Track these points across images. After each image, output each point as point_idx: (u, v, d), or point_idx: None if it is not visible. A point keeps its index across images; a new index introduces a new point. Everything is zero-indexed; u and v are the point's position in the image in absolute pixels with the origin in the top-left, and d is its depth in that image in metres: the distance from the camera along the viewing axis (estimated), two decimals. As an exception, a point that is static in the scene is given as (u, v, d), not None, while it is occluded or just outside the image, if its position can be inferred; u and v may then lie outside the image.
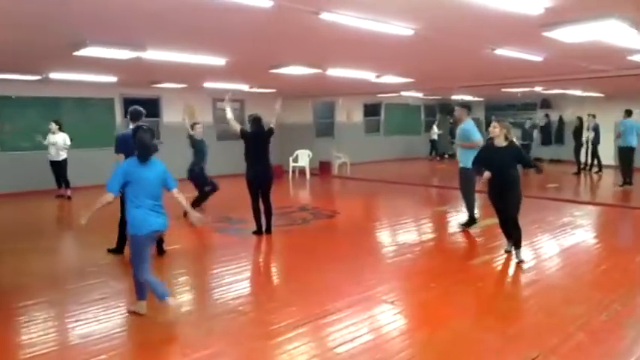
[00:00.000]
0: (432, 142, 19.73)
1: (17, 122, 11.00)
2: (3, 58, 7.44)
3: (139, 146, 4.05)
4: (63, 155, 10.15)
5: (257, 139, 6.88)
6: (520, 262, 5.58)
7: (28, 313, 4.40)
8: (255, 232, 7.02)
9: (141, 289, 4.21)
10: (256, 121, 7.03)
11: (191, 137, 8.33)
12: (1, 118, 10.87)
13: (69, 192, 10.31)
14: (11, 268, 5.69)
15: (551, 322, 4.02)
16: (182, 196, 4.38)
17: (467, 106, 7.47)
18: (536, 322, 4.07)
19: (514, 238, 5.73)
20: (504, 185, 5.57)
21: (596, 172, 14.17)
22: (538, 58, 7.15)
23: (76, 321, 4.17)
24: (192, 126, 8.42)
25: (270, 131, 6.96)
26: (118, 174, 4.03)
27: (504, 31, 5.42)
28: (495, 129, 5.57)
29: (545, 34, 5.07)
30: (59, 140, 10.09)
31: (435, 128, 19.69)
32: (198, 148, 8.31)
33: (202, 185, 8.34)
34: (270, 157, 7.01)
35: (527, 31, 5.21)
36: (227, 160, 12.98)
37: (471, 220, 7.27)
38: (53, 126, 10.13)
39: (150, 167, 4.10)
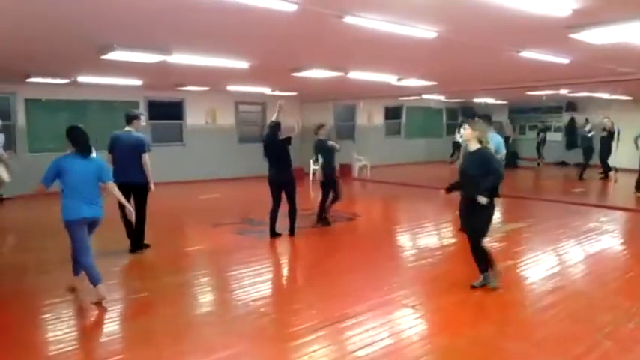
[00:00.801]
0: (455, 144, 19.45)
1: (46, 124, 11.31)
2: (34, 63, 7.68)
3: (81, 142, 4.49)
4: None
5: (270, 145, 6.97)
6: (494, 289, 4.82)
7: (50, 312, 4.49)
8: (270, 236, 7.04)
9: (76, 268, 4.75)
10: (270, 127, 7.11)
11: (318, 141, 7.94)
12: (30, 120, 11.19)
13: None
14: (35, 266, 5.84)
15: (576, 329, 3.94)
16: (116, 188, 4.72)
17: (487, 116, 7.20)
18: (561, 329, 3.99)
19: (477, 263, 4.90)
20: (467, 200, 4.81)
21: (601, 177, 14.00)
22: (564, 61, 7.02)
23: (98, 320, 4.26)
24: (318, 130, 8.02)
25: (286, 140, 6.98)
26: (51, 168, 4.43)
27: (530, 33, 5.34)
28: (466, 131, 4.88)
29: (572, 35, 4.98)
30: None
31: (462, 130, 19.35)
32: (325, 148, 7.89)
33: (333, 187, 7.91)
34: (289, 162, 7.04)
35: (554, 33, 5.12)
36: (248, 163, 13.11)
37: None
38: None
39: (87, 162, 4.53)
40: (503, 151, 6.86)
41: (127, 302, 4.68)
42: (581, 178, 13.66)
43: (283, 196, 7.01)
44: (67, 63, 7.77)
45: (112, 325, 4.15)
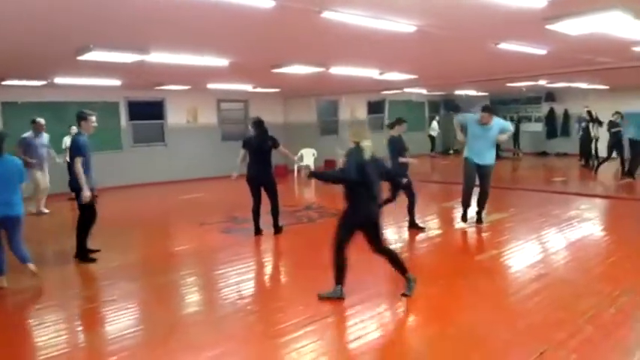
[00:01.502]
0: (431, 137, 19.65)
1: (23, 128, 11.07)
2: (9, 65, 7.51)
3: None
4: None
5: (258, 144, 6.82)
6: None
7: (40, 315, 4.45)
8: (255, 233, 6.98)
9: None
10: (257, 124, 6.90)
11: (392, 137, 7.39)
12: (7, 123, 10.96)
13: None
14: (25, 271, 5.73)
15: (559, 316, 4.01)
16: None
17: (488, 108, 7.10)
18: (545, 316, 4.06)
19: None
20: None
21: (584, 165, 14.19)
22: (542, 52, 7.12)
23: (87, 323, 4.21)
24: (395, 124, 7.47)
25: (276, 140, 6.96)
26: None
27: (507, 25, 5.40)
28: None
29: (549, 27, 5.05)
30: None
31: (434, 124, 19.53)
32: (402, 147, 7.32)
33: (408, 188, 7.07)
34: (270, 161, 6.97)
35: (531, 25, 5.19)
36: (232, 161, 12.97)
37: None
38: (74, 129, 9.81)
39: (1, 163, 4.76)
40: (511, 129, 7.24)
41: (116, 303, 4.63)
42: (596, 171, 12.89)
43: (263, 192, 6.93)
44: (43, 64, 7.63)
45: (102, 326, 4.10)
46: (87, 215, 5.94)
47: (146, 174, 12.84)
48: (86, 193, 5.66)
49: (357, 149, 4.46)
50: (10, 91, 10.45)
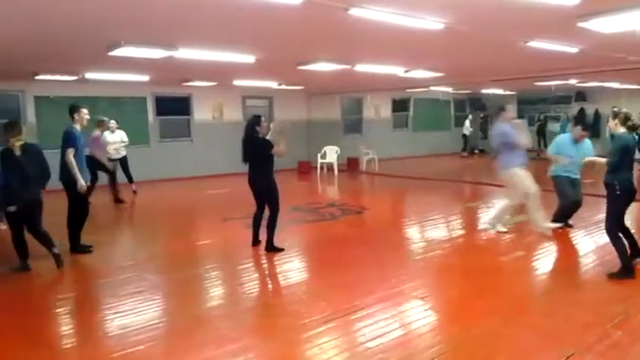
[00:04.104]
0: (464, 137, 19.30)
1: (55, 121, 11.39)
2: (43, 60, 7.74)
3: None
4: (123, 152, 10.19)
5: (247, 143, 5.94)
6: None
7: (68, 304, 4.59)
8: (253, 244, 6.23)
9: None
10: (249, 122, 5.99)
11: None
12: (40, 116, 11.29)
13: (134, 186, 10.47)
14: (49, 263, 5.91)
15: (587, 319, 3.93)
16: None
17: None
18: (573, 319, 3.98)
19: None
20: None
21: None
22: (573, 50, 6.95)
23: (115, 313, 4.31)
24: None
25: (267, 141, 5.89)
26: None
27: (538, 23, 5.29)
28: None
29: (581, 24, 4.93)
30: (117, 138, 10.03)
31: (467, 123, 19.16)
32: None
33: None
34: (268, 165, 5.93)
35: (563, 22, 5.08)
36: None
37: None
38: (113, 124, 10.02)
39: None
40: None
41: (142, 295, 4.73)
42: None
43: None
44: (75, 60, 7.83)
45: (128, 318, 4.19)
46: (81, 208, 5.98)
47: (172, 169, 13.04)
48: (81, 182, 5.73)
49: None
50: (43, 86, 10.74)
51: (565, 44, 6.62)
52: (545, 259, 5.66)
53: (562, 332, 3.74)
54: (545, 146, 17.59)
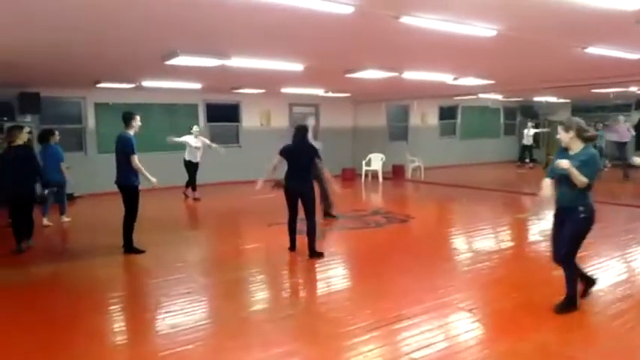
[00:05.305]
0: (524, 147, 17.38)
1: (113, 126, 11.96)
2: (104, 69, 8.17)
3: None
4: (198, 159, 10.80)
5: (297, 151, 6.18)
6: None
7: (120, 303, 4.80)
8: (290, 249, 6.42)
9: None
10: (298, 130, 6.27)
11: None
12: (99, 122, 11.90)
13: (197, 194, 10.94)
14: (105, 262, 6.21)
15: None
16: None
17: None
18: (630, 339, 3.79)
19: None
20: None
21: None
22: (634, 56, 6.64)
23: (165, 312, 4.48)
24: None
25: (315, 149, 6.23)
26: None
27: (597, 29, 5.09)
28: None
29: (643, 30, 4.71)
30: (199, 143, 10.71)
31: (528, 131, 17.13)
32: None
33: None
34: (311, 172, 6.20)
35: (622, 28, 4.87)
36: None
37: None
38: (195, 129, 10.87)
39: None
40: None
41: (191, 296, 4.88)
42: None
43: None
44: (134, 69, 8.22)
45: (177, 318, 4.34)
46: (135, 210, 6.32)
47: (221, 173, 13.38)
48: (153, 180, 6.24)
49: None
50: (103, 93, 11.32)
51: (625, 50, 6.33)
52: (600, 275, 5.39)
53: (617, 351, 3.58)
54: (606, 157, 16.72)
